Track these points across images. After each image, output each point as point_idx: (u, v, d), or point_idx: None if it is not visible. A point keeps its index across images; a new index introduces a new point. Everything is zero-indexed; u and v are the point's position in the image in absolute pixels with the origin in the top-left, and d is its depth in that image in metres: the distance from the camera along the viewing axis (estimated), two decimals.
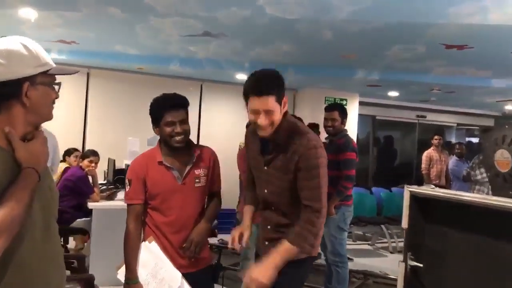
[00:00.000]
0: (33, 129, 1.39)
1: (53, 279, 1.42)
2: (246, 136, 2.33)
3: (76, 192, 5.03)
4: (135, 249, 2.27)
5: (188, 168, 2.35)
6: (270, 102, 1.97)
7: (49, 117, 1.42)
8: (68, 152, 5.99)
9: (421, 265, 1.84)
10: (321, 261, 4.64)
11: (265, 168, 2.13)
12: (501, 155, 1.51)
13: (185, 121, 2.34)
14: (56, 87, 1.44)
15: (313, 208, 1.99)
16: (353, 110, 9.05)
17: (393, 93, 8.91)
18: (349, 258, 5.98)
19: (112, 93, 7.81)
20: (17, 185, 1.25)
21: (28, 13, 4.85)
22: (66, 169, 5.57)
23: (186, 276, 2.28)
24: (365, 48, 5.65)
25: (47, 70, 1.39)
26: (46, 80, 1.40)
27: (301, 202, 2.03)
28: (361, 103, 9.30)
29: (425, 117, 10.67)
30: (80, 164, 5.36)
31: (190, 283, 2.27)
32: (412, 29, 4.65)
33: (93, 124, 7.67)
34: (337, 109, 4.45)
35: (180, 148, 2.33)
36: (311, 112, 8.62)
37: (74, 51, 6.72)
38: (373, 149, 10.73)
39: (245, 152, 2.43)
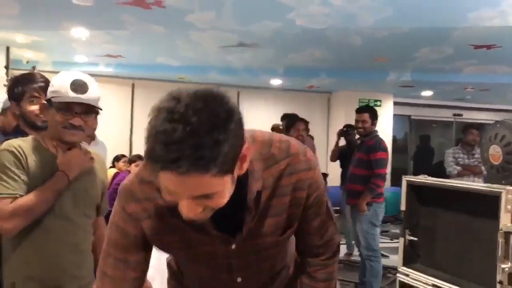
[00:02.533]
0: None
1: (69, 266, 1.70)
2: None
3: None
4: None
5: None
6: (207, 182, 0.89)
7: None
8: (117, 158, 6.44)
9: (416, 239, 2.20)
10: (355, 257, 4.87)
11: (233, 247, 1.16)
12: (493, 149, 1.81)
13: None
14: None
15: (330, 253, 1.33)
16: (387, 111, 9.20)
17: (427, 93, 8.99)
18: (384, 255, 6.19)
19: (155, 102, 8.26)
20: (46, 184, 1.64)
21: (80, 33, 5.34)
22: (116, 174, 6.01)
23: None
24: (395, 51, 5.85)
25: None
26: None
27: (307, 248, 1.33)
28: (395, 103, 9.42)
29: (461, 115, 10.65)
30: (128, 168, 5.79)
31: None
32: (437, 32, 4.84)
33: (138, 131, 8.12)
34: (367, 111, 4.68)
35: None
36: (345, 114, 8.84)
37: (120, 64, 7.24)
38: (410, 149, 10.80)
39: None
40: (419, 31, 4.80)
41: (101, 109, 1.74)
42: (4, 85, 4.49)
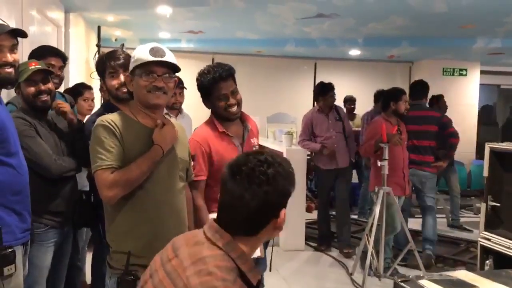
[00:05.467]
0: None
1: (170, 222, 1.88)
2: None
3: None
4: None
5: (245, 137, 2.41)
6: None
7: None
8: None
9: (499, 204, 2.16)
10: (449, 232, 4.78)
11: None
12: None
13: (235, 90, 2.34)
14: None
15: None
16: (474, 80, 8.73)
17: None
18: (467, 229, 6.03)
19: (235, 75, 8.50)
20: (144, 156, 1.81)
21: (164, 10, 5.59)
22: None
23: None
24: (483, 17, 5.51)
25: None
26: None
27: None
28: (483, 72, 8.89)
29: None
30: None
31: None
32: None
33: None
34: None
35: (235, 118, 2.37)
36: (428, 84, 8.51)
37: (201, 40, 7.48)
38: (498, 120, 10.20)
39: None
40: None
41: (183, 84, 1.88)
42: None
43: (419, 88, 4.77)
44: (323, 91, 5.09)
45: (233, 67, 2.40)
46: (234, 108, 2.32)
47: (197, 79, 2.34)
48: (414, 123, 4.48)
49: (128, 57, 2.29)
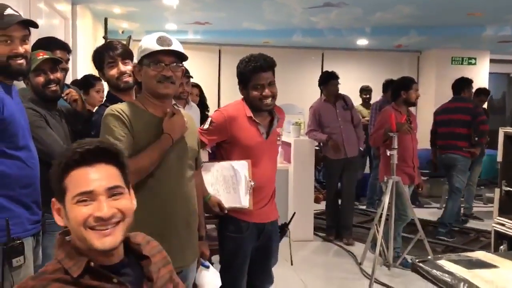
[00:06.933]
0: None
1: (180, 211, 1.90)
2: None
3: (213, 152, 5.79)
4: None
5: (273, 126, 2.43)
6: None
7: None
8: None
9: None
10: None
11: None
12: None
13: (273, 83, 2.36)
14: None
15: None
16: (483, 69, 8.64)
17: None
18: (478, 218, 6.01)
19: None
20: (153, 145, 1.82)
21: (171, 1, 5.57)
22: None
23: (258, 225, 2.38)
24: (492, 4, 5.44)
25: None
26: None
27: None
28: (492, 61, 8.80)
29: None
30: None
31: (261, 233, 2.40)
32: None
33: (225, 94, 8.34)
34: None
35: (267, 110, 2.39)
36: (436, 74, 8.45)
37: (208, 31, 7.46)
38: (508, 109, 10.09)
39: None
40: None
41: (189, 73, 1.87)
42: None
43: (457, 83, 5.35)
44: (325, 80, 5.09)
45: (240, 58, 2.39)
46: (268, 100, 2.32)
47: (237, 66, 2.37)
48: (450, 112, 5.21)
49: (125, 47, 2.32)
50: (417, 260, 1.72)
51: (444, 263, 1.69)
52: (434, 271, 1.66)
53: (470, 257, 1.78)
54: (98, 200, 1.13)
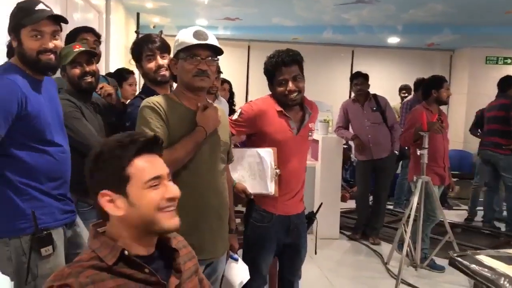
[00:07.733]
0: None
1: (213, 203, 1.92)
2: None
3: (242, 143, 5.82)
4: None
5: (305, 122, 2.39)
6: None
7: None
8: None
9: None
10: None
11: None
12: None
13: (298, 77, 2.31)
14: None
15: None
16: None
17: None
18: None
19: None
20: (188, 137, 1.84)
21: None
22: None
23: (283, 218, 2.38)
24: None
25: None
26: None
27: None
28: None
29: None
30: None
31: (289, 225, 2.40)
32: None
33: (253, 90, 8.36)
34: None
35: (294, 105, 2.36)
36: (469, 73, 8.25)
37: (237, 27, 7.48)
38: None
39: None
40: None
41: (219, 68, 1.87)
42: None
43: (503, 81, 5.41)
44: (350, 80, 5.06)
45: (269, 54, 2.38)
46: (294, 95, 2.30)
47: (264, 63, 2.37)
48: (490, 110, 5.43)
49: (163, 41, 2.33)
50: (455, 255, 1.69)
51: (483, 258, 1.66)
52: (474, 266, 1.63)
53: (510, 253, 1.74)
54: (163, 184, 1.23)
